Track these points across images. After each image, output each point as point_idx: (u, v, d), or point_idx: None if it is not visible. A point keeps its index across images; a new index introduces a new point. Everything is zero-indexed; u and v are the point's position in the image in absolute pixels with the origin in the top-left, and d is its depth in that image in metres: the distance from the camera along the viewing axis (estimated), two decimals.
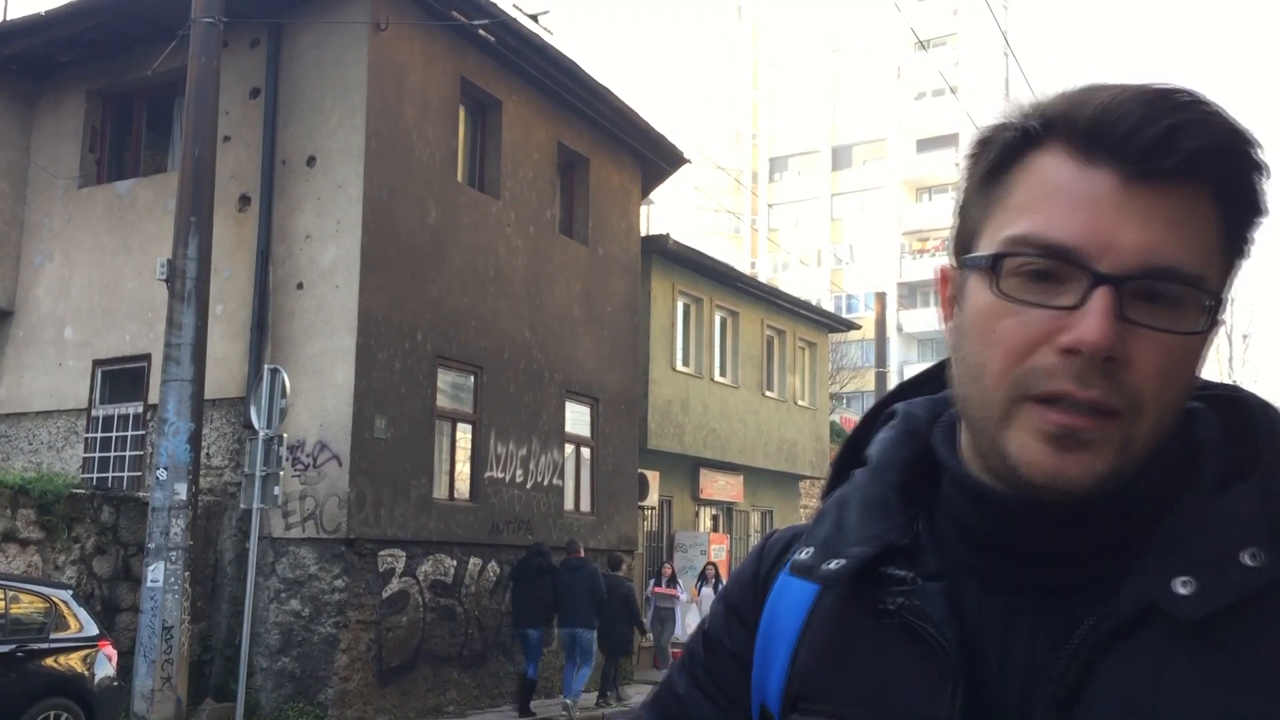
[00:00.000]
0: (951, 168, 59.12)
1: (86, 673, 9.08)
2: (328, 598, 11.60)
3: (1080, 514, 0.86)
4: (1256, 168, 0.85)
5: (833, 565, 0.94)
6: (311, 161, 12.27)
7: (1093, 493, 0.84)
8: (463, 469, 13.60)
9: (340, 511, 11.64)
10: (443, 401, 13.23)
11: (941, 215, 59.70)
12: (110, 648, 9.36)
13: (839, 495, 1.01)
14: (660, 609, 17.67)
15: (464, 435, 13.62)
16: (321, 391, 11.85)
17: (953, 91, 56.03)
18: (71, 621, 9.14)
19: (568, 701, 12.93)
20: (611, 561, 14.51)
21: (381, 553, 12.05)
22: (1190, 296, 0.83)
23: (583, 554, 13.51)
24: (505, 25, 13.28)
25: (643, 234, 18.66)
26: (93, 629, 9.29)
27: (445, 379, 13.29)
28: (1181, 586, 0.81)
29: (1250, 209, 0.86)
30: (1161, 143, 0.82)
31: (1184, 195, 0.83)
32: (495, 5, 13.19)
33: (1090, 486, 0.83)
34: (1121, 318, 0.82)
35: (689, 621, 17.25)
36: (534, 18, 13.43)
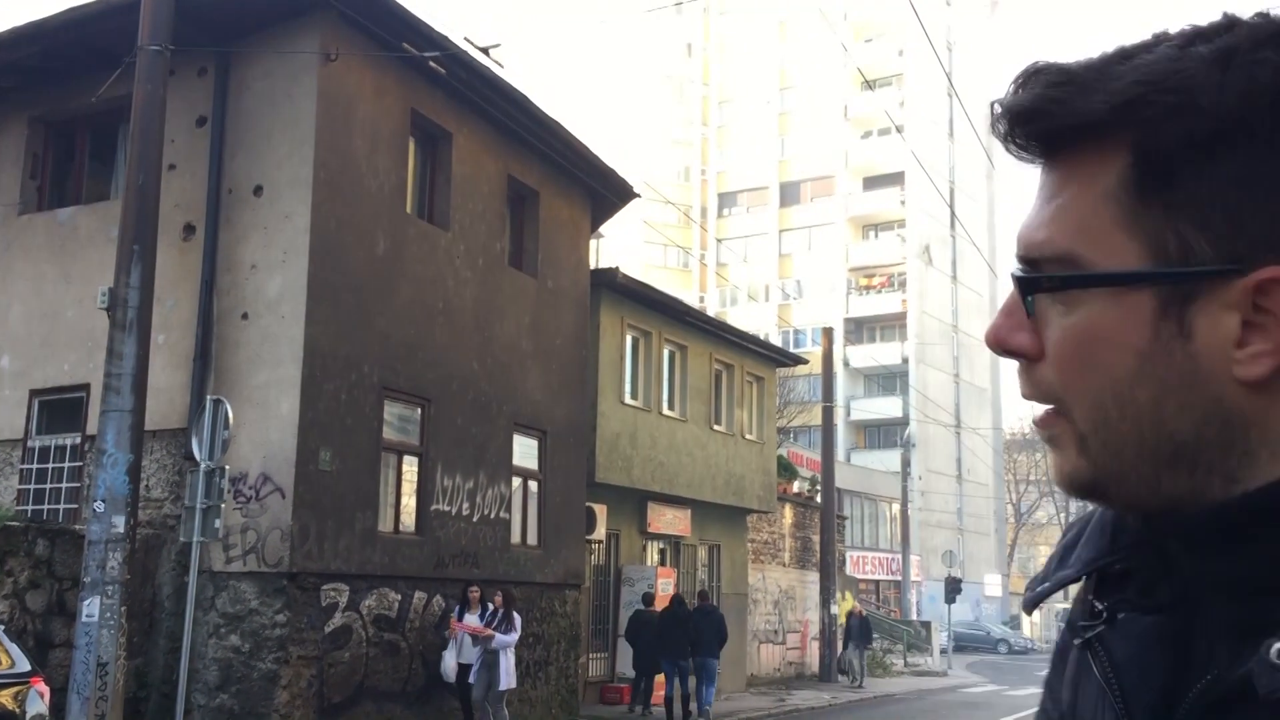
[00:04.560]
0: (897, 205, 60.00)
1: (18, 710, 8.83)
2: (268, 633, 11.41)
3: (1152, 529, 0.81)
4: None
5: (1035, 591, 0.94)
6: (258, 191, 12.18)
7: (1072, 492, 0.82)
8: (408, 502, 13.48)
9: (283, 545, 11.47)
10: (389, 434, 13.12)
11: (887, 252, 60.50)
12: (43, 684, 9.11)
13: (1082, 517, 0.97)
14: (488, 652, 12.96)
15: (410, 468, 13.51)
16: (265, 423, 11.70)
17: (898, 130, 56.95)
18: (2, 657, 8.89)
19: (707, 708, 17.46)
20: (701, 595, 19.49)
21: (324, 587, 11.89)
22: (1076, 279, 0.77)
23: (713, 601, 19.22)
24: (456, 58, 13.32)
25: (592, 267, 18.70)
26: (24, 665, 9.04)
27: (392, 411, 13.20)
28: (1277, 656, 0.69)
29: (1150, 171, 0.75)
30: (1015, 122, 0.79)
31: (1063, 172, 0.79)
32: (446, 38, 13.23)
33: (1067, 486, 0.82)
34: (1027, 312, 0.79)
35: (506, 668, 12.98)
36: (485, 51, 13.48)
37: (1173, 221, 0.74)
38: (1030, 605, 0.95)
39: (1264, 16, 0.75)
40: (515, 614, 13.17)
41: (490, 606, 13.13)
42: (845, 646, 26.71)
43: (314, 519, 11.75)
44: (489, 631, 12.90)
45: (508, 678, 13.00)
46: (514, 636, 13.07)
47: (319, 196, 12.03)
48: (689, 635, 17.26)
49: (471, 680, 12.95)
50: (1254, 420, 0.73)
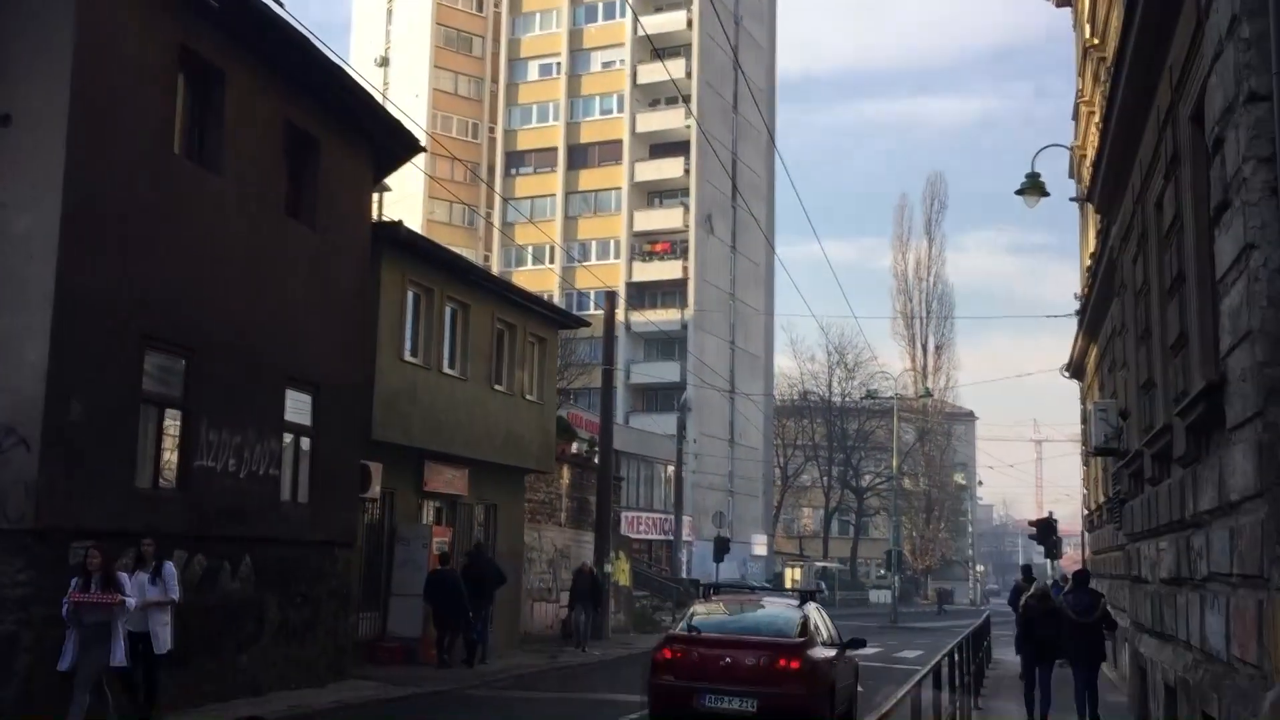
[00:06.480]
0: (682, 173, 61.08)
1: None
2: (9, 592, 10.67)
3: None
4: None
5: None
6: (6, 120, 11.23)
7: None
8: (170, 456, 12.85)
9: (27, 500, 10.73)
10: (149, 385, 12.44)
11: (671, 219, 61.58)
12: None
13: None
14: (89, 626, 10.25)
15: (172, 421, 12.87)
16: (9, 371, 10.88)
17: (685, 100, 57.85)
18: None
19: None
20: (479, 548, 20.96)
21: (74, 544, 11.19)
22: None
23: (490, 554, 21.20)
24: None
25: (374, 221, 18.24)
26: None
27: (153, 361, 12.51)
28: None
29: None
30: None
31: None
32: None
33: None
34: None
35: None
36: None
37: None
38: None
39: None
40: (120, 573, 10.68)
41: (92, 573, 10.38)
42: (572, 608, 24.31)
43: (63, 473, 11.04)
44: (118, 598, 10.35)
45: (158, 642, 11.26)
46: (133, 599, 10.63)
47: (75, 130, 11.20)
48: (483, 588, 19.53)
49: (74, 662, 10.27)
50: None
